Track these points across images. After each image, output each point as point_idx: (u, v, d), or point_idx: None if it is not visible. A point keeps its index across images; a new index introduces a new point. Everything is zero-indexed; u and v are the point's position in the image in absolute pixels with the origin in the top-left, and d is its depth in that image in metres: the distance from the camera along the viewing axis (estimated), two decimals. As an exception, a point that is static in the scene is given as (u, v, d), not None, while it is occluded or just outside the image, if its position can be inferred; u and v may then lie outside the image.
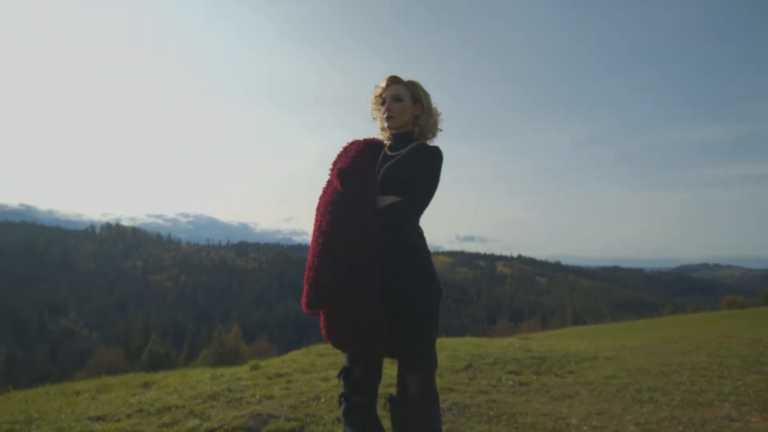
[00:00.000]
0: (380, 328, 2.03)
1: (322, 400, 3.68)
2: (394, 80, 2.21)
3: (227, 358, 36.90)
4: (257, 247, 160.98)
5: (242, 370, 4.92)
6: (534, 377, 4.58)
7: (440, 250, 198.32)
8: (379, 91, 2.24)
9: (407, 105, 2.18)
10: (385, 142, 2.32)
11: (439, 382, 4.19)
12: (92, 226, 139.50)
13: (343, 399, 2.26)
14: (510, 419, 3.32)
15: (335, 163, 2.24)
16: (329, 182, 2.27)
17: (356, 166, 2.14)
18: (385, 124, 2.22)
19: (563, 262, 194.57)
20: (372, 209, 2.08)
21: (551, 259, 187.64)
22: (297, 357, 5.91)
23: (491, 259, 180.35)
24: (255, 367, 5.03)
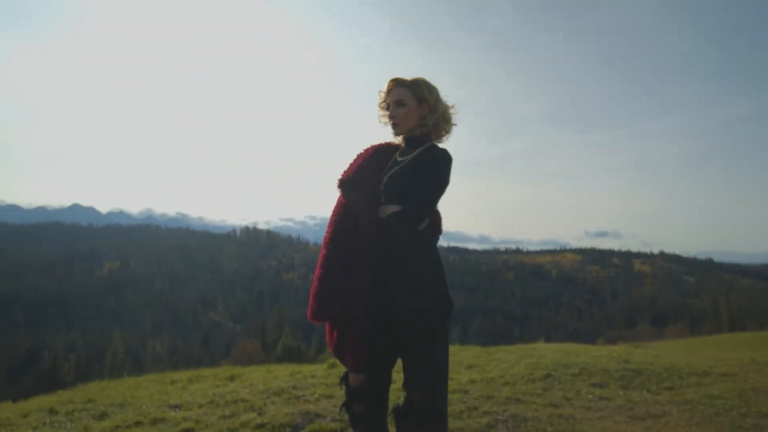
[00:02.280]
0: (361, 345, 2.01)
1: (380, 402, 3.69)
2: (396, 83, 2.11)
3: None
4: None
5: (320, 368, 5.13)
6: (621, 392, 4.12)
7: (567, 248, 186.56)
8: (382, 96, 2.16)
9: (412, 108, 2.08)
10: (402, 145, 2.23)
11: (507, 392, 3.98)
12: (234, 230, 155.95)
13: (344, 407, 2.26)
14: (567, 438, 3.03)
15: (345, 172, 2.21)
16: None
17: (357, 176, 2.10)
18: (392, 131, 2.16)
19: (716, 258, 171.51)
20: (371, 222, 2.04)
21: (701, 256, 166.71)
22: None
23: (627, 256, 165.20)
24: (333, 366, 5.21)
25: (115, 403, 3.66)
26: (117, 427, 3.05)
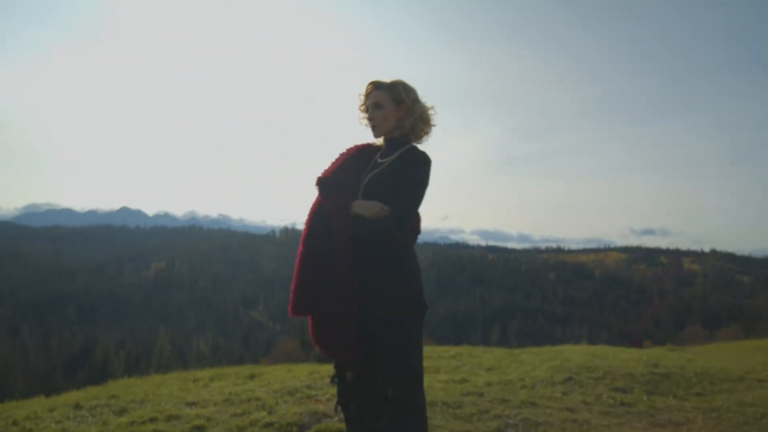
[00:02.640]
0: (356, 341, 2.06)
1: (391, 403, 3.68)
2: (374, 86, 2.15)
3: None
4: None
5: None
6: (644, 397, 3.96)
7: (611, 246, 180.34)
8: (361, 99, 2.19)
9: (389, 110, 2.11)
10: (383, 146, 2.26)
11: (523, 395, 3.90)
12: (273, 231, 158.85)
13: (338, 405, 2.28)
14: (579, 444, 2.93)
15: (325, 170, 2.26)
16: None
17: (336, 177, 2.15)
18: (372, 134, 2.19)
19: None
20: (345, 223, 2.08)
21: (756, 254, 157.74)
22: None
23: (676, 254, 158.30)
24: (351, 366, 5.24)
25: (136, 400, 3.79)
26: (132, 422, 3.16)
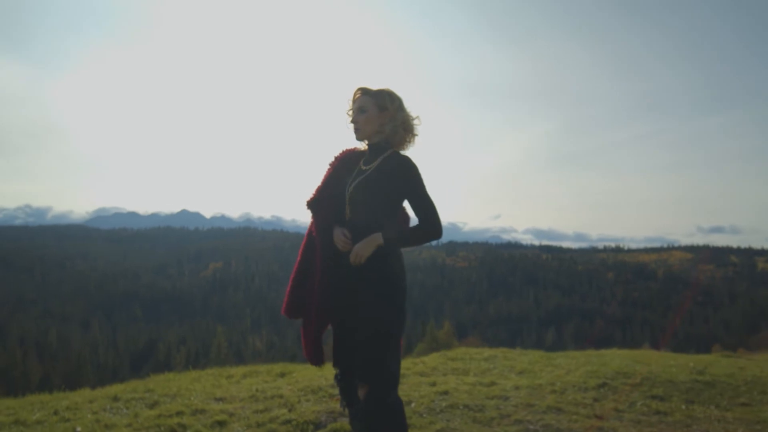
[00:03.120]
0: (306, 342, 2.43)
1: (413, 405, 3.66)
2: (361, 92, 2.22)
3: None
4: (466, 245, 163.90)
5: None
6: (683, 406, 3.73)
7: (676, 245, 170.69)
8: (349, 104, 2.27)
9: (372, 115, 2.17)
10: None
11: (550, 400, 3.77)
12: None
13: (344, 404, 2.33)
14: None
15: (315, 189, 2.41)
16: None
17: (322, 196, 2.31)
18: (354, 136, 2.26)
19: None
20: (326, 240, 2.25)
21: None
22: (433, 359, 5.94)
23: (748, 254, 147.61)
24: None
25: (169, 394, 3.97)
26: (160, 415, 3.32)
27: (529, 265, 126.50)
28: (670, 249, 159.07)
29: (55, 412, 3.40)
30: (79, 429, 2.99)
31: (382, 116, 2.17)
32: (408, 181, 2.07)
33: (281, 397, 3.78)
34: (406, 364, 5.49)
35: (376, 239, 2.03)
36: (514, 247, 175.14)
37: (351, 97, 2.25)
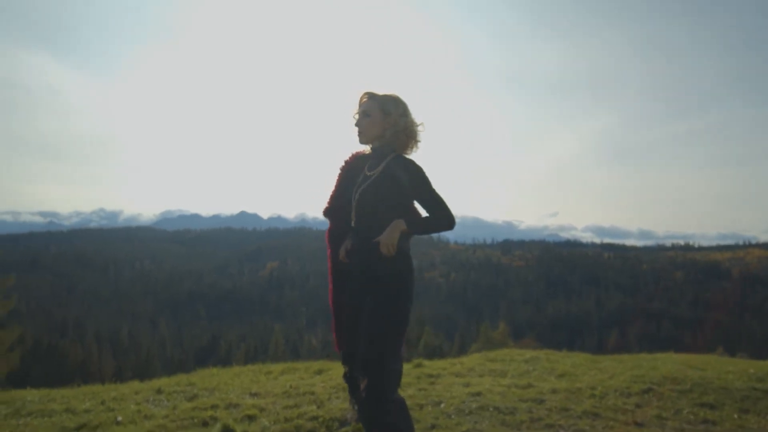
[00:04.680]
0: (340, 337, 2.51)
1: (442, 405, 3.62)
2: (367, 97, 2.27)
3: (494, 353, 38.24)
4: (522, 244, 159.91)
5: (406, 367, 5.16)
6: (735, 415, 3.46)
7: (753, 242, 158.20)
8: (355, 108, 2.31)
9: (376, 119, 2.21)
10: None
11: (588, 405, 3.63)
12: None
13: (354, 402, 2.34)
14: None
15: (329, 197, 2.63)
16: None
17: (337, 202, 2.43)
18: (358, 140, 2.31)
19: None
20: (337, 246, 2.46)
21: None
22: (472, 359, 5.84)
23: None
24: (417, 365, 5.22)
25: (208, 388, 4.14)
26: (196, 408, 3.46)
27: (590, 264, 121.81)
28: (747, 246, 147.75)
29: (102, 402, 3.63)
30: (120, 418, 3.17)
31: (385, 121, 2.20)
32: (414, 184, 2.09)
33: (313, 393, 3.85)
34: (443, 364, 5.44)
35: (399, 225, 2.04)
36: (573, 245, 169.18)
37: (358, 101, 2.29)
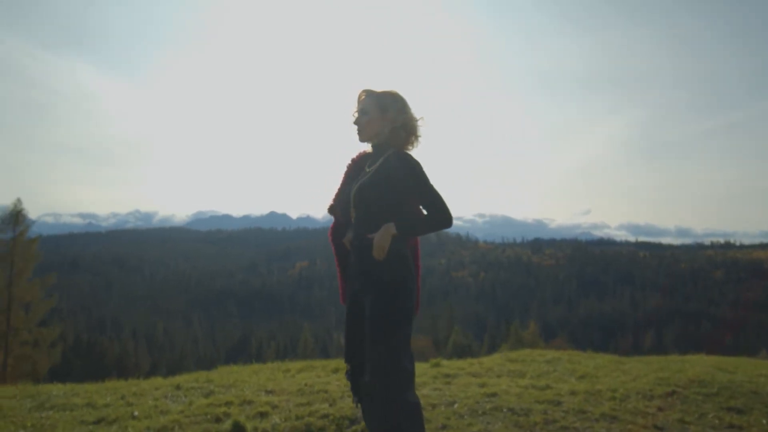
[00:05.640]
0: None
1: (455, 406, 3.58)
2: (365, 94, 2.24)
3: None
4: (553, 243, 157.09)
5: (422, 367, 5.13)
6: (764, 421, 3.30)
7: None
8: (354, 107, 2.29)
9: (374, 117, 2.19)
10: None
11: (606, 407, 3.53)
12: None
13: (356, 400, 2.32)
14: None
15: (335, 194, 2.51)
16: None
17: (337, 201, 2.36)
18: (358, 138, 2.28)
19: None
20: (338, 242, 2.36)
21: None
22: (492, 360, 5.76)
23: None
24: (435, 365, 5.18)
25: (225, 384, 4.21)
26: (211, 404, 3.52)
27: (624, 263, 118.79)
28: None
29: (122, 397, 3.73)
30: (136, 413, 3.25)
31: (383, 118, 2.17)
32: (409, 178, 2.06)
33: (326, 392, 3.86)
34: (462, 364, 5.39)
35: (390, 229, 2.03)
36: (606, 244, 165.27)
37: (356, 99, 2.26)
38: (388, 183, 2.08)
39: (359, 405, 2.31)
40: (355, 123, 2.24)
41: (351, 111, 2.29)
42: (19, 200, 19.23)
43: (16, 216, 18.94)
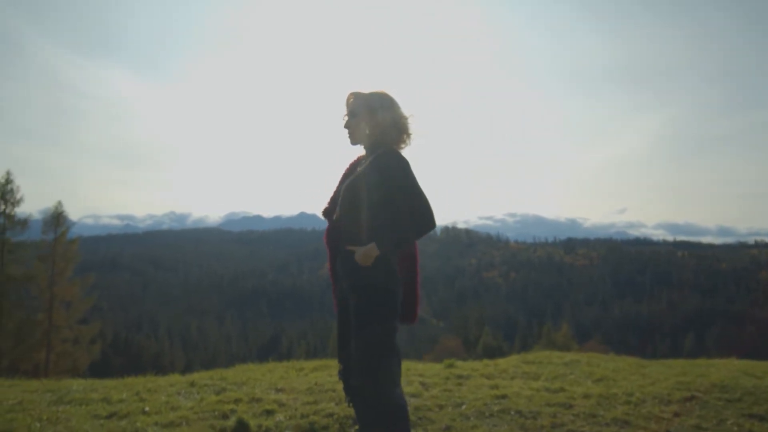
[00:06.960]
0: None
1: (463, 407, 3.54)
2: (353, 96, 2.24)
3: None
4: (587, 242, 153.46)
5: (436, 368, 5.10)
6: (788, 428, 3.13)
7: None
8: (343, 110, 2.29)
9: (363, 118, 2.19)
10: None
11: (619, 412, 3.44)
12: (435, 230, 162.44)
13: (349, 400, 2.32)
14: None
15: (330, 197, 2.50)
16: None
17: (332, 204, 2.36)
18: (349, 141, 2.28)
19: None
20: (333, 246, 2.35)
21: None
22: (508, 361, 5.67)
23: None
24: (449, 366, 5.13)
25: (238, 382, 4.27)
26: (220, 401, 3.58)
27: (662, 263, 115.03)
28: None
29: (137, 393, 3.83)
30: (147, 409, 3.34)
31: (372, 119, 2.17)
32: (390, 177, 2.04)
33: (335, 391, 3.87)
34: (476, 365, 5.32)
35: (372, 251, 2.01)
36: (643, 243, 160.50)
37: (345, 102, 2.26)
38: (369, 181, 2.06)
39: (351, 404, 2.31)
40: (345, 126, 2.24)
41: (341, 115, 2.29)
42: (60, 203, 20.08)
43: (57, 218, 19.77)
